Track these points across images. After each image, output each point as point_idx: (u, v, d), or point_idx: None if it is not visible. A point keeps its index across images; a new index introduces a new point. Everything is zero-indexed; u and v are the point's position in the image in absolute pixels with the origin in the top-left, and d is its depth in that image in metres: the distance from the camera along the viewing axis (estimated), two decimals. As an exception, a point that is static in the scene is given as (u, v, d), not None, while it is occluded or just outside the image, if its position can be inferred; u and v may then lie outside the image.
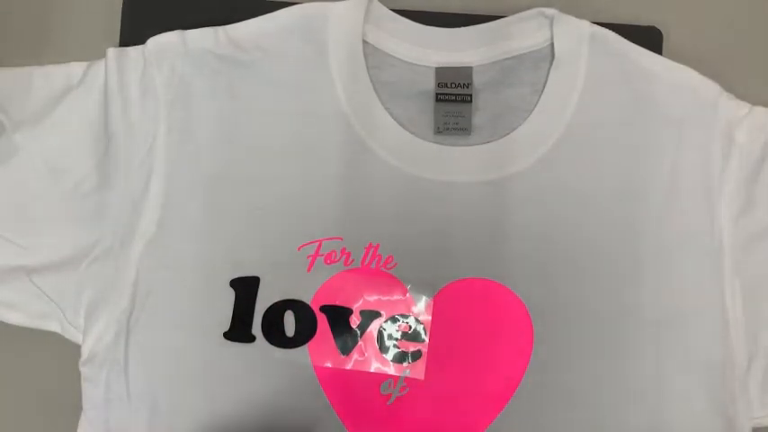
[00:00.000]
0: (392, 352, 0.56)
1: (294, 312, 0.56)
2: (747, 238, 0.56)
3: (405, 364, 0.56)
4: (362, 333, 0.56)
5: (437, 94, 0.58)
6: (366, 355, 0.56)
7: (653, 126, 0.57)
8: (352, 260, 0.56)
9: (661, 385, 0.55)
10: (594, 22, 0.59)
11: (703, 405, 0.55)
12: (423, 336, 0.56)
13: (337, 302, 0.56)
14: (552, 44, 0.58)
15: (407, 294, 0.56)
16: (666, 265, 0.56)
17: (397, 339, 0.56)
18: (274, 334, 0.56)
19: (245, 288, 0.56)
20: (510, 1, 0.60)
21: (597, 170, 0.57)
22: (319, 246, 0.56)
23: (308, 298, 0.56)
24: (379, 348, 0.56)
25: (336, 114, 0.57)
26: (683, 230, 0.57)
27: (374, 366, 0.56)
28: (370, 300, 0.56)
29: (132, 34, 0.60)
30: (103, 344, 0.55)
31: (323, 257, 0.56)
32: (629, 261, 0.56)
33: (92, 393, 0.56)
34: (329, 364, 0.56)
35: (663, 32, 0.61)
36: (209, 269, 0.56)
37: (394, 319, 0.56)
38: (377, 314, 0.56)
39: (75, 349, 0.56)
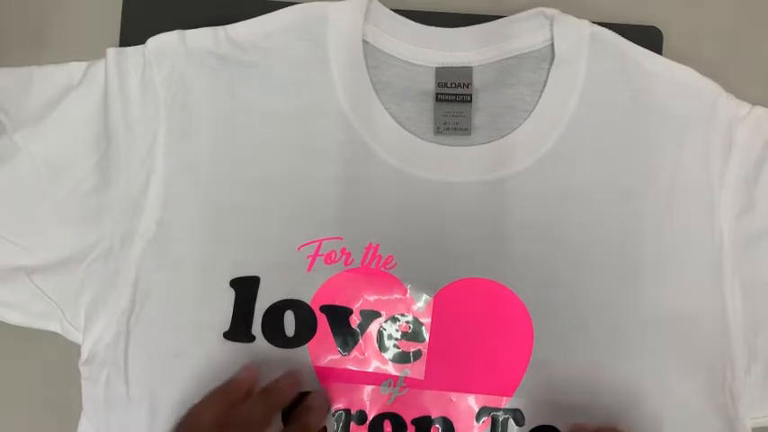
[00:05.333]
0: (392, 352, 0.56)
1: (294, 312, 0.56)
2: (747, 237, 0.57)
3: (405, 364, 0.56)
4: (362, 333, 0.56)
5: (437, 94, 0.58)
6: (366, 354, 0.56)
7: (653, 126, 0.57)
8: (353, 260, 0.56)
9: (661, 385, 0.55)
10: (594, 22, 0.59)
11: (703, 405, 0.55)
12: (423, 336, 0.56)
13: (337, 302, 0.56)
14: (552, 44, 0.58)
15: (407, 294, 0.56)
16: (666, 264, 0.56)
17: (396, 339, 0.56)
18: (274, 334, 0.56)
19: (245, 288, 0.56)
20: (510, 1, 0.60)
21: (597, 170, 0.57)
22: (319, 246, 0.56)
23: (308, 298, 0.56)
24: (379, 348, 0.56)
25: (336, 114, 0.57)
26: (684, 230, 0.57)
27: (374, 366, 0.56)
28: (369, 299, 0.56)
29: (132, 34, 0.60)
30: (103, 344, 0.56)
31: (323, 257, 0.56)
32: (629, 261, 0.56)
33: (92, 393, 0.56)
34: (329, 364, 0.56)
35: (663, 32, 0.61)
36: (210, 269, 0.56)
37: (394, 319, 0.56)
38: (377, 314, 0.56)
39: (76, 349, 0.56)
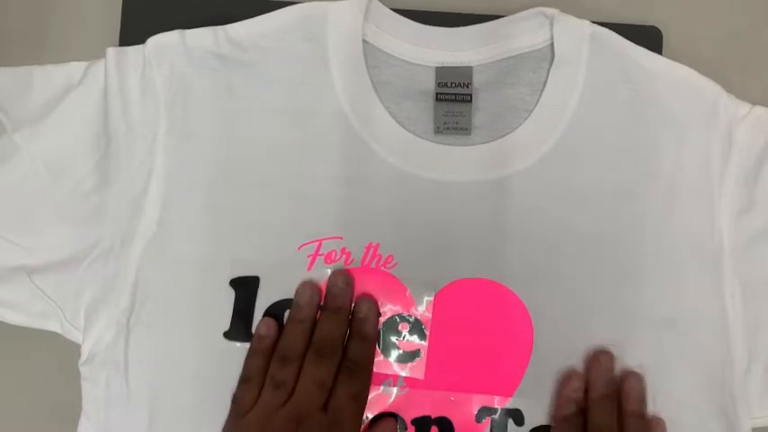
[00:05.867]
0: (392, 351, 0.56)
1: (294, 312, 0.56)
2: (747, 238, 0.57)
3: (404, 364, 0.56)
4: (362, 333, 0.56)
5: (437, 94, 0.58)
6: (366, 354, 0.56)
7: (653, 126, 0.57)
8: (353, 260, 0.56)
9: (661, 385, 0.55)
10: (594, 22, 0.59)
11: (703, 405, 0.55)
12: (423, 335, 0.56)
13: (337, 302, 0.56)
14: (552, 44, 0.58)
15: (407, 294, 0.56)
16: (667, 264, 0.56)
17: (397, 339, 0.56)
18: (274, 334, 0.56)
19: (245, 288, 0.56)
20: (510, 1, 0.60)
21: (597, 170, 0.57)
22: (319, 245, 0.56)
23: (308, 297, 0.56)
24: (379, 348, 0.56)
25: (336, 114, 0.57)
26: (684, 230, 0.57)
27: (374, 366, 0.56)
28: (370, 299, 0.56)
29: (132, 34, 0.60)
30: (103, 344, 0.55)
31: (323, 257, 0.56)
32: (629, 261, 0.56)
33: (92, 393, 0.56)
34: (329, 364, 0.56)
35: (663, 32, 0.61)
36: (209, 269, 0.56)
37: (394, 319, 0.56)
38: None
39: (75, 349, 0.56)
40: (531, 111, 0.58)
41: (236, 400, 0.53)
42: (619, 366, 0.55)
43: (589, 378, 0.54)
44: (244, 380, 0.54)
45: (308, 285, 0.55)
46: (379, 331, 0.56)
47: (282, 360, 0.53)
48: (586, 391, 0.54)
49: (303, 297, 0.55)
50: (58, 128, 0.57)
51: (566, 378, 0.55)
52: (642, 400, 0.54)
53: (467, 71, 0.59)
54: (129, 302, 0.55)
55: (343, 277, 0.55)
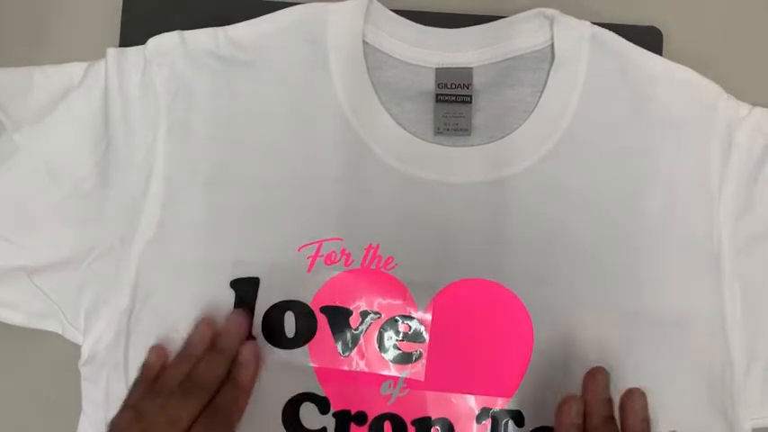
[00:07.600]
0: (392, 353, 0.56)
1: (294, 313, 0.56)
2: (747, 239, 0.57)
3: (405, 365, 0.56)
4: (363, 334, 0.56)
5: (437, 95, 0.58)
6: (366, 355, 0.56)
7: (653, 127, 0.57)
8: (353, 261, 0.56)
9: (661, 386, 0.55)
10: (594, 23, 0.58)
11: (703, 405, 0.56)
12: (423, 336, 0.56)
13: (337, 303, 0.56)
14: (552, 45, 0.58)
15: (408, 295, 0.56)
16: (666, 265, 0.56)
17: (397, 340, 0.56)
18: (274, 334, 0.56)
19: (246, 289, 0.56)
20: (510, 1, 0.60)
21: (597, 171, 0.57)
22: (319, 246, 0.56)
23: (308, 299, 0.56)
24: (380, 349, 0.56)
25: (336, 115, 0.57)
26: (683, 231, 0.57)
27: (374, 367, 0.56)
28: (370, 300, 0.56)
29: (132, 34, 0.60)
30: (103, 344, 0.56)
31: (323, 258, 0.56)
32: (629, 262, 0.56)
33: (92, 393, 0.56)
34: (329, 365, 0.56)
35: (663, 32, 0.61)
36: (210, 269, 0.56)
37: (394, 320, 0.56)
38: (377, 315, 0.56)
39: (75, 349, 0.56)
40: (531, 112, 0.58)
41: (112, 426, 0.51)
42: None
43: (586, 400, 0.50)
44: (122, 406, 0.52)
45: (205, 322, 0.55)
46: (254, 380, 0.54)
47: (154, 393, 0.51)
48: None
49: (196, 334, 0.54)
50: (58, 128, 0.57)
51: (563, 403, 0.50)
52: (645, 419, 0.49)
53: (467, 72, 0.59)
54: (129, 303, 0.56)
55: (238, 319, 0.55)
